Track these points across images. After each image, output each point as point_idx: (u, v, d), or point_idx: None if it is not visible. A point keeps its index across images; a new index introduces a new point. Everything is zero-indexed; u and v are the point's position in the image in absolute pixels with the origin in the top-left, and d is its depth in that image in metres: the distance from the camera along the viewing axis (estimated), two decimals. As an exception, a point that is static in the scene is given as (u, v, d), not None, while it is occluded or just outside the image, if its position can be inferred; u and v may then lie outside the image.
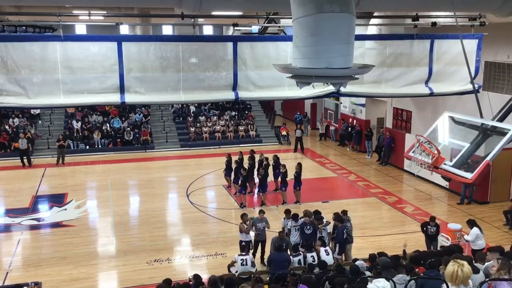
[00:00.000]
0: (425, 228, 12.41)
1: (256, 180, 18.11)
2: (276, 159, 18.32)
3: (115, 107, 27.40)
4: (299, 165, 17.24)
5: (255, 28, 19.10)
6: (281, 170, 17.38)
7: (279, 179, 17.73)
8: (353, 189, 19.58)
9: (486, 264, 8.26)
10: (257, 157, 18.80)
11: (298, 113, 29.90)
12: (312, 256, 10.70)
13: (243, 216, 12.35)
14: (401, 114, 21.90)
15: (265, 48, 11.01)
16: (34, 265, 12.73)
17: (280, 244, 10.88)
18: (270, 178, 17.97)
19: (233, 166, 18.14)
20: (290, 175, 17.32)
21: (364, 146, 24.80)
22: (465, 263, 5.73)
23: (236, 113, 29.56)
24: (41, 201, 17.94)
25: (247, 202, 16.97)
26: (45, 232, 15.16)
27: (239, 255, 10.78)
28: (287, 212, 12.65)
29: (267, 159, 17.99)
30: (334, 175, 21.44)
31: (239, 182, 17.21)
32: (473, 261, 8.29)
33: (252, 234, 12.36)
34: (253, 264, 10.68)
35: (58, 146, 23.08)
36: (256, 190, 18.08)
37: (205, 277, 9.66)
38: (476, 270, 7.64)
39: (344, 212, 12.23)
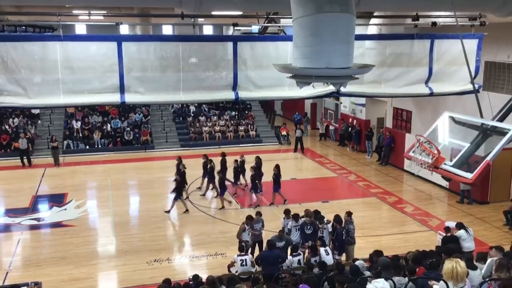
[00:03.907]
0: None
1: (248, 181, 18.02)
2: (258, 160, 17.91)
3: (115, 107, 27.39)
4: (277, 167, 16.96)
5: (255, 28, 19.09)
6: (251, 172, 17.03)
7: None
8: (353, 189, 19.57)
9: (488, 261, 8.23)
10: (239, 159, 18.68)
11: (297, 113, 29.90)
12: (315, 260, 10.61)
13: (248, 218, 12.38)
14: (401, 114, 21.90)
15: (265, 48, 10.99)
16: (34, 265, 12.73)
17: (271, 241, 10.86)
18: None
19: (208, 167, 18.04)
20: (267, 178, 17.17)
21: (364, 146, 24.80)
22: (459, 260, 5.74)
23: (236, 113, 29.55)
24: (41, 201, 17.92)
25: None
26: (45, 232, 15.16)
27: (238, 255, 10.75)
28: (287, 212, 12.63)
29: (243, 162, 17.88)
30: (334, 175, 21.44)
31: (215, 183, 17.12)
32: (473, 259, 8.30)
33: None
34: (252, 264, 10.65)
35: (51, 148, 23.00)
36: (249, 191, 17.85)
37: (205, 278, 9.64)
38: (474, 267, 7.64)
39: (349, 213, 12.13)
